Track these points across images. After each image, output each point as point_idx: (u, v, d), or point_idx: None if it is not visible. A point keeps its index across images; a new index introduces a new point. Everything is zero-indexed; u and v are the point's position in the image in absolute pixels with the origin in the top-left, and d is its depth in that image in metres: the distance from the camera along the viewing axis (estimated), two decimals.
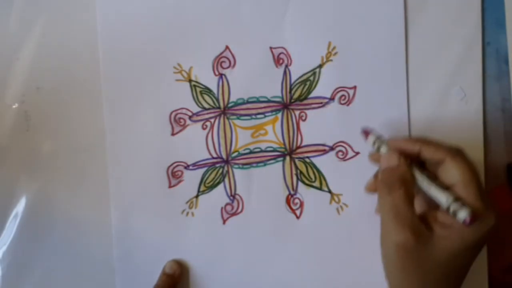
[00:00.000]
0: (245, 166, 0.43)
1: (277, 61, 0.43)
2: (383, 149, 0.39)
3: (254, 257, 0.44)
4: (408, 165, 0.37)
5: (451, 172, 0.35)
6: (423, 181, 0.37)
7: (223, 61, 0.43)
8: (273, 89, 0.43)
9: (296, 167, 0.44)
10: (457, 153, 0.36)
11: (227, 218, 0.44)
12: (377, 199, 0.39)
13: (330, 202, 0.44)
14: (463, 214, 0.34)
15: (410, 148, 0.38)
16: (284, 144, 0.44)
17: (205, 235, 0.44)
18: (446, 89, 0.43)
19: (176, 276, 0.42)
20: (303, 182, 0.44)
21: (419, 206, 0.38)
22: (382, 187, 0.37)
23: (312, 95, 0.43)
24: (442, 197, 0.35)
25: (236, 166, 0.43)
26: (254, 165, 0.44)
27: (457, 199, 0.34)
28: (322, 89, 0.43)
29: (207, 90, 0.43)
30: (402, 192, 0.36)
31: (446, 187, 0.36)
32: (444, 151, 0.36)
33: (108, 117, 0.43)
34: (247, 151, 0.43)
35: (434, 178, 0.37)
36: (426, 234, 0.35)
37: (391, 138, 0.39)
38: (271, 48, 0.43)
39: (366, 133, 0.40)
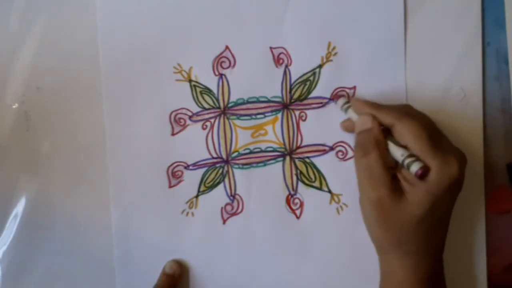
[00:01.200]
0: (245, 166, 0.44)
1: (277, 61, 0.43)
2: (352, 114, 0.41)
3: (254, 257, 0.44)
4: (380, 128, 0.39)
5: (402, 134, 0.37)
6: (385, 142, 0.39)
7: (223, 61, 0.43)
8: (273, 89, 0.43)
9: (296, 167, 0.44)
10: (403, 115, 0.38)
11: (227, 218, 0.44)
12: (354, 161, 0.40)
13: (330, 202, 0.44)
14: (414, 168, 0.36)
15: (368, 111, 0.40)
16: (284, 144, 0.44)
17: (205, 235, 0.44)
18: (446, 89, 0.43)
19: (176, 276, 0.42)
20: (303, 182, 0.44)
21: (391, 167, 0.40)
22: (358, 149, 0.39)
23: (312, 95, 0.43)
24: (398, 154, 0.37)
25: (236, 166, 0.43)
26: (254, 165, 0.44)
27: (411, 155, 0.37)
28: (322, 89, 0.43)
29: (207, 90, 0.43)
30: (376, 153, 0.37)
31: (402, 147, 0.38)
32: (392, 115, 0.38)
33: (108, 117, 0.43)
34: (247, 151, 0.44)
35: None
36: (399, 191, 0.37)
37: (352, 99, 0.42)
38: (271, 48, 0.43)
39: (337, 97, 0.43)
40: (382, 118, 0.39)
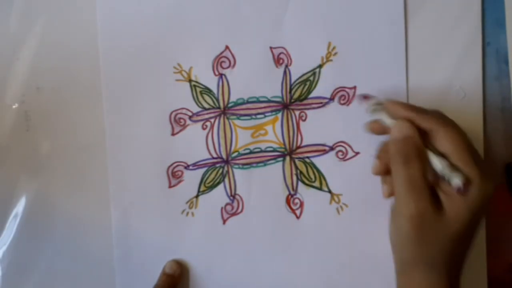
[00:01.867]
0: (245, 166, 0.44)
1: (277, 61, 0.43)
2: (383, 116, 0.38)
3: (254, 257, 0.44)
4: (420, 136, 0.36)
5: (442, 141, 0.35)
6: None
7: (223, 61, 0.43)
8: (273, 89, 0.43)
9: (296, 167, 0.44)
10: (445, 122, 0.36)
11: (227, 218, 0.44)
12: (384, 180, 0.38)
13: (330, 202, 0.44)
14: (456, 181, 0.34)
15: (406, 115, 0.37)
16: (284, 144, 0.44)
17: (205, 235, 0.44)
18: (446, 88, 0.43)
19: (176, 276, 0.42)
20: (303, 182, 0.44)
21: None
22: (398, 158, 0.36)
23: (312, 95, 0.43)
24: (439, 166, 0.35)
25: (236, 166, 0.43)
26: (254, 165, 0.44)
27: (452, 167, 0.35)
28: (322, 89, 0.43)
29: (207, 90, 0.43)
30: (419, 163, 0.35)
31: (441, 155, 0.36)
32: (434, 121, 0.36)
33: (108, 117, 0.43)
34: (247, 151, 0.44)
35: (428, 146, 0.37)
36: (438, 205, 0.35)
37: (387, 101, 0.39)
38: (271, 48, 0.43)
39: (365, 97, 0.40)
40: (421, 123, 0.36)
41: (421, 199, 0.34)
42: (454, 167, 0.35)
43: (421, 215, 0.34)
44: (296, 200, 0.44)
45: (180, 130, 0.43)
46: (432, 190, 0.36)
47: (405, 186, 0.35)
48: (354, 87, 0.43)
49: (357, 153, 0.43)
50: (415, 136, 0.36)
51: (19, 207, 0.43)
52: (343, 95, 0.43)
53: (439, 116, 0.37)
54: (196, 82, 0.43)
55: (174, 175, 0.43)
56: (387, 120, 0.38)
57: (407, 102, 0.39)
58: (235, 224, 0.44)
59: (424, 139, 0.36)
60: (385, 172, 0.39)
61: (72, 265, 0.43)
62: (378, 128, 0.40)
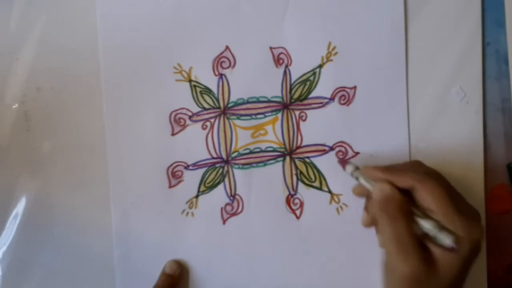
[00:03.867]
0: (245, 166, 0.44)
1: (277, 61, 0.43)
2: (363, 181, 0.39)
3: (254, 257, 0.44)
4: (401, 195, 0.36)
5: (424, 197, 0.35)
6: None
7: (223, 61, 0.43)
8: (273, 89, 0.43)
9: (296, 167, 0.44)
10: (424, 177, 0.36)
11: (227, 218, 0.44)
12: (377, 230, 0.38)
13: (330, 202, 0.44)
14: (446, 241, 0.34)
15: (383, 177, 0.37)
16: (284, 144, 0.44)
17: (205, 235, 0.44)
18: (446, 89, 0.43)
19: (176, 276, 0.42)
20: (303, 182, 0.44)
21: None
22: (384, 217, 0.36)
23: (312, 95, 0.43)
24: (427, 226, 0.35)
25: (236, 166, 0.43)
26: (254, 165, 0.44)
27: (440, 226, 0.35)
28: (322, 89, 0.43)
29: (207, 90, 0.43)
30: (404, 221, 0.35)
31: (425, 212, 0.36)
32: (411, 178, 0.36)
33: (108, 117, 0.43)
34: (247, 151, 0.43)
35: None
36: (430, 259, 0.35)
37: (363, 167, 0.39)
38: (271, 48, 0.43)
39: (343, 162, 0.41)
40: (399, 183, 0.36)
41: (411, 257, 0.34)
42: (441, 225, 0.35)
43: (413, 274, 0.34)
44: (296, 200, 0.44)
45: (180, 130, 0.43)
46: (421, 243, 0.35)
47: (393, 244, 0.35)
48: (355, 87, 0.43)
49: (357, 153, 0.43)
50: (396, 196, 0.36)
51: (19, 207, 0.43)
52: (343, 95, 0.43)
53: (417, 171, 0.37)
54: (196, 82, 0.43)
55: (174, 175, 0.43)
56: (367, 185, 0.38)
57: (380, 166, 0.39)
58: (235, 224, 0.44)
59: (408, 196, 0.37)
60: (374, 223, 0.39)
61: (72, 265, 0.43)
62: (363, 192, 0.40)
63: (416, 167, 0.38)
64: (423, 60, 0.43)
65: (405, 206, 0.36)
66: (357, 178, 0.39)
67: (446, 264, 0.34)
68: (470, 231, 0.34)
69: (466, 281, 0.37)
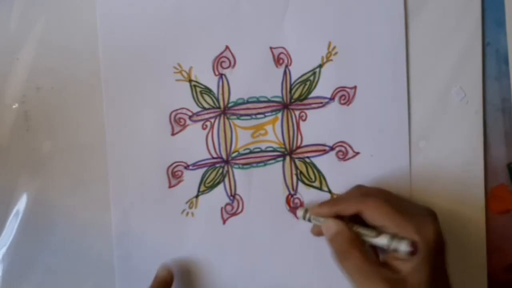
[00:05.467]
0: (245, 166, 0.43)
1: (277, 61, 0.43)
2: (314, 220, 0.40)
3: (254, 257, 0.44)
4: (348, 227, 0.37)
5: (371, 217, 0.36)
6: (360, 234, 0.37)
7: (223, 61, 0.43)
8: (273, 89, 0.43)
9: (296, 167, 0.44)
10: (364, 198, 0.37)
11: (227, 218, 0.44)
12: (338, 264, 0.38)
13: None
14: (404, 248, 0.34)
15: (330, 213, 0.38)
16: (284, 144, 0.44)
17: (205, 235, 0.44)
18: (446, 89, 0.43)
19: (169, 280, 0.42)
20: (303, 182, 0.44)
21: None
22: (337, 255, 0.37)
23: (312, 95, 0.43)
24: (381, 243, 0.36)
25: (236, 166, 0.43)
26: (254, 165, 0.44)
27: (394, 238, 0.35)
28: (322, 89, 0.43)
29: (207, 90, 0.43)
30: (357, 254, 0.36)
31: (380, 230, 0.36)
32: (353, 204, 0.37)
33: (108, 117, 0.43)
34: (247, 151, 0.43)
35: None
36: (398, 276, 0.35)
37: (310, 208, 0.40)
38: (271, 48, 0.43)
39: (293, 210, 0.43)
40: (347, 210, 0.38)
41: (377, 283, 0.34)
42: (395, 236, 0.35)
43: None
44: (296, 200, 0.44)
45: (180, 130, 0.43)
46: (383, 263, 0.36)
47: (355, 277, 0.35)
48: (355, 87, 0.43)
49: (357, 153, 0.43)
50: (343, 230, 0.37)
51: (19, 207, 0.43)
52: (343, 95, 0.43)
53: (359, 195, 0.38)
54: (196, 82, 0.43)
55: (174, 175, 0.43)
56: (318, 223, 0.39)
57: (324, 201, 0.41)
58: (235, 224, 0.44)
59: (361, 219, 0.38)
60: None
61: (72, 265, 0.43)
62: (319, 231, 0.41)
63: (357, 192, 0.40)
64: (423, 60, 0.43)
65: (355, 238, 0.37)
66: (309, 220, 0.40)
67: (413, 272, 0.35)
68: (422, 231, 0.35)
69: (449, 276, 0.37)
